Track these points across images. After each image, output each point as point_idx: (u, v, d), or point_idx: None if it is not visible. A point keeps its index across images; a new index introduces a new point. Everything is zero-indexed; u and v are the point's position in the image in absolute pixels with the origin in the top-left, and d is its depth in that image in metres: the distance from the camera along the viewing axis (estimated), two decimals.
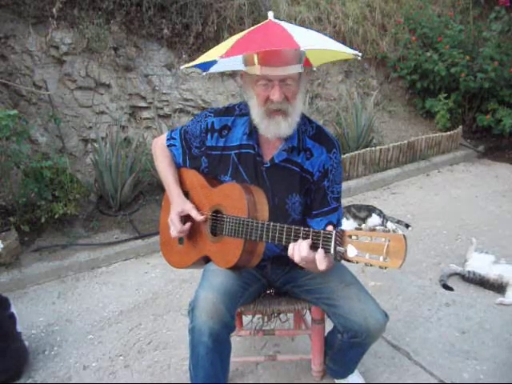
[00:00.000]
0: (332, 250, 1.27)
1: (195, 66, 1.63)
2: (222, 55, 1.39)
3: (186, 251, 1.71)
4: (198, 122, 1.69)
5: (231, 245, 1.52)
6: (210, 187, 1.63)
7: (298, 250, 1.32)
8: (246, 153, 1.61)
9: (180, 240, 1.72)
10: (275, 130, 1.51)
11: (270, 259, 1.68)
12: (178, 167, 1.76)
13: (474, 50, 5.08)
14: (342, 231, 1.26)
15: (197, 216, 1.60)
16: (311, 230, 1.34)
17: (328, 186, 1.60)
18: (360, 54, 1.56)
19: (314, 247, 1.32)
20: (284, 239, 1.39)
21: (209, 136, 1.65)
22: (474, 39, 5.25)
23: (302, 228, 1.36)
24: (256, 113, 1.52)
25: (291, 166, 1.59)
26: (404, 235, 1.17)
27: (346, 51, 1.50)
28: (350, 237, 1.24)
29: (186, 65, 1.66)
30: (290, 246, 1.36)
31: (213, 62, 1.67)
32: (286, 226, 1.39)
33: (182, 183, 1.73)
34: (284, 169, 1.59)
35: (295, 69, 1.44)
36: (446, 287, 2.67)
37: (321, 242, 1.30)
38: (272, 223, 1.42)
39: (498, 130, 4.91)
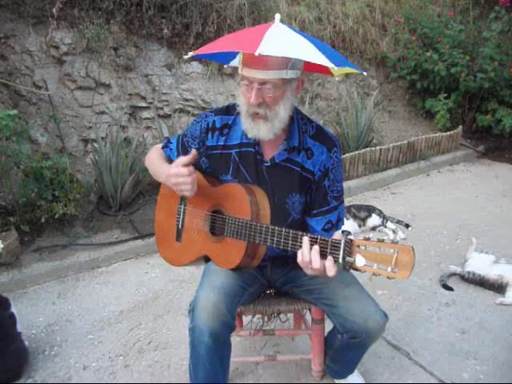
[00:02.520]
0: (341, 260, 1.26)
1: (214, 59, 1.64)
2: (193, 52, 1.48)
3: (184, 249, 1.70)
4: (197, 123, 1.68)
5: (233, 246, 1.51)
6: (210, 186, 1.63)
7: (311, 263, 1.30)
8: (247, 151, 1.60)
9: (177, 238, 1.71)
10: (254, 132, 1.51)
11: (270, 259, 1.68)
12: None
13: (474, 49, 5.08)
14: (351, 241, 1.25)
15: (187, 157, 1.49)
16: (319, 237, 1.32)
17: (329, 186, 1.60)
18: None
19: (321, 255, 1.30)
20: (290, 245, 1.38)
21: (209, 135, 1.64)
22: (474, 39, 5.25)
23: (309, 235, 1.34)
24: (242, 110, 1.53)
25: (292, 165, 1.59)
26: (412, 247, 1.18)
27: (328, 64, 1.32)
28: (359, 246, 1.24)
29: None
30: (299, 257, 1.33)
31: (231, 57, 1.70)
32: (291, 231, 1.37)
33: None
34: (284, 168, 1.59)
35: (277, 74, 1.40)
36: (446, 287, 2.68)
37: (329, 250, 1.29)
38: (277, 228, 1.40)
39: (498, 130, 4.91)
